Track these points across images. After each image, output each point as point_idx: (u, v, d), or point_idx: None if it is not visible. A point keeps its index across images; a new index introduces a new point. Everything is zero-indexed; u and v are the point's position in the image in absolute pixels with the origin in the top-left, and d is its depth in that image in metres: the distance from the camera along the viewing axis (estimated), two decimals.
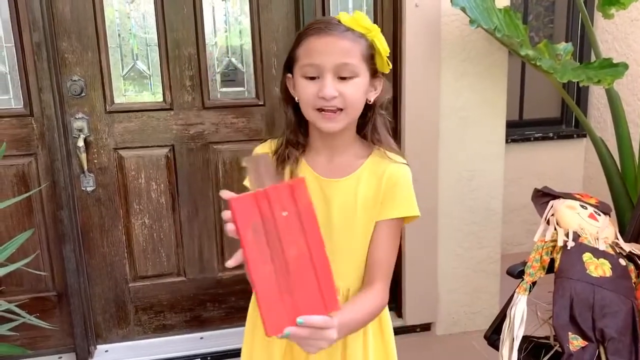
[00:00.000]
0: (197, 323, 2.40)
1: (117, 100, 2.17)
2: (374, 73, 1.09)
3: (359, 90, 1.05)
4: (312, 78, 1.04)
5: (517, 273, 1.65)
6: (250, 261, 0.80)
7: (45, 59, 1.99)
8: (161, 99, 2.20)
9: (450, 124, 2.30)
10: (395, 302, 2.52)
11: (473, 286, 2.48)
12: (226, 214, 0.81)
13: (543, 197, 1.83)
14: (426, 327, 2.50)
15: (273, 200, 0.81)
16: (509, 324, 1.55)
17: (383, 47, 1.08)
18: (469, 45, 2.26)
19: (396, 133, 2.34)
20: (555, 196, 1.82)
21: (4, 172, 2.10)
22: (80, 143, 2.11)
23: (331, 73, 1.02)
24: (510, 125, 2.40)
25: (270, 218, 0.81)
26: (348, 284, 1.13)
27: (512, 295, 1.63)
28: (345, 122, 1.06)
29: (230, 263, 0.82)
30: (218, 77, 2.24)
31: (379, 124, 1.13)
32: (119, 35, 2.14)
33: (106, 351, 2.31)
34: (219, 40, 2.22)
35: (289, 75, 1.10)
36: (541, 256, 1.63)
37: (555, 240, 1.64)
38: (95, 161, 2.18)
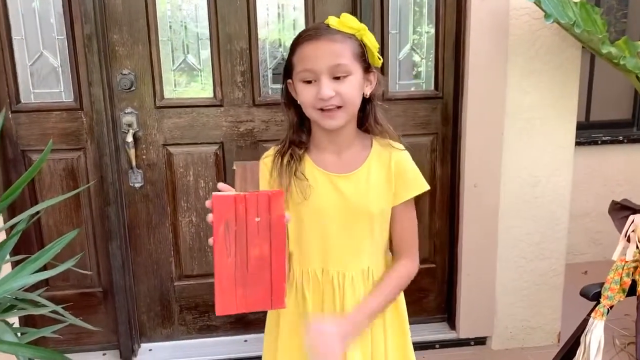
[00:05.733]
0: (242, 325, 2.34)
1: (167, 95, 2.11)
2: (367, 68, 1.15)
3: (354, 87, 1.12)
4: (309, 82, 1.11)
5: (592, 295, 1.50)
6: (215, 250, 0.94)
7: (96, 51, 1.95)
8: (211, 95, 2.13)
9: (515, 126, 2.14)
10: (449, 313, 2.39)
11: (533, 300, 2.32)
12: (207, 204, 0.94)
13: (622, 210, 1.66)
14: (481, 341, 2.36)
15: (249, 205, 0.94)
16: (584, 352, 1.40)
17: (372, 43, 1.15)
18: (538, 41, 2.09)
19: (456, 133, 2.20)
20: (635, 210, 1.65)
21: (53, 166, 2.08)
22: (129, 138, 2.06)
23: (326, 75, 1.09)
24: (576, 127, 2.24)
25: (243, 220, 0.94)
26: (370, 264, 1.23)
27: (586, 319, 1.49)
28: (345, 118, 1.14)
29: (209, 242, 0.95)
30: (269, 73, 2.16)
31: (380, 115, 1.21)
32: (170, 27, 2.07)
33: (150, 350, 2.27)
34: (271, 35, 2.13)
35: (289, 80, 1.17)
36: (621, 277, 1.47)
37: (638, 260, 1.48)
38: (144, 157, 2.13)
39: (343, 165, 1.20)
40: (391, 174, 1.19)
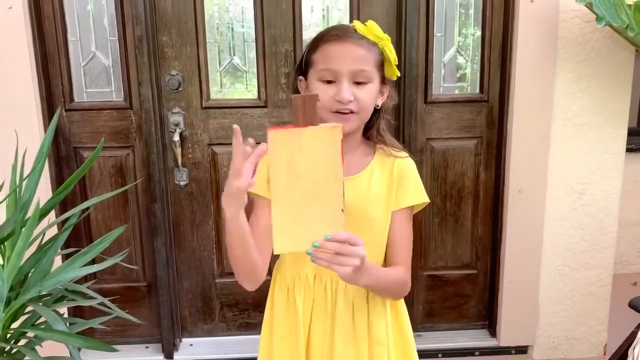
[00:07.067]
0: None
1: (213, 95, 2.15)
2: (383, 79, 1.15)
3: (371, 95, 1.11)
4: (329, 82, 1.08)
5: None
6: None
7: (146, 52, 2.01)
8: (256, 96, 2.16)
9: (563, 131, 2.09)
10: (490, 320, 2.36)
11: (578, 310, 2.26)
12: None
13: None
14: (522, 350, 2.31)
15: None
16: None
17: (393, 55, 1.13)
18: (589, 44, 2.04)
19: (502, 138, 2.17)
20: None
21: (103, 163, 2.16)
22: (176, 137, 2.11)
23: (347, 78, 1.07)
24: (627, 134, 2.17)
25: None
26: None
27: (634, 332, 1.44)
28: (357, 123, 1.13)
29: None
30: None
31: (383, 127, 1.20)
32: (217, 29, 2.12)
33: (190, 345, 2.32)
34: None
35: (301, 78, 1.15)
36: None
37: None
38: (190, 156, 2.18)
39: (344, 169, 1.15)
40: (393, 180, 1.17)
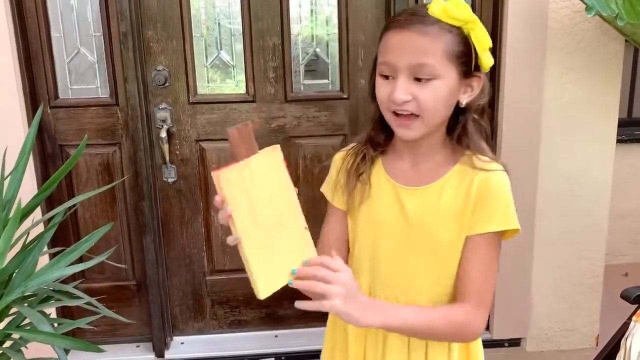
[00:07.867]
0: (272, 320, 2.34)
1: (200, 91, 2.13)
2: (468, 72, 0.94)
3: (438, 95, 0.91)
4: (387, 77, 0.93)
5: (633, 298, 1.45)
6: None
7: (131, 48, 1.97)
8: (244, 91, 2.13)
9: (553, 123, 2.08)
10: None
11: (571, 301, 2.26)
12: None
13: None
14: (515, 343, 2.31)
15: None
16: (624, 356, 1.35)
17: (482, 41, 0.93)
18: (579, 35, 2.03)
19: (493, 131, 2.16)
20: None
21: (90, 161, 2.13)
22: (163, 134, 2.09)
23: (405, 74, 0.91)
24: (617, 124, 2.18)
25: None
26: (429, 299, 1.02)
27: (626, 323, 1.44)
28: (422, 130, 0.94)
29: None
30: (302, 69, 2.15)
31: (470, 129, 0.98)
32: (204, 24, 2.09)
33: (182, 343, 2.30)
34: (303, 30, 2.13)
35: None
36: None
37: None
38: (177, 152, 2.15)
39: (415, 178, 1.01)
40: (470, 197, 0.96)
